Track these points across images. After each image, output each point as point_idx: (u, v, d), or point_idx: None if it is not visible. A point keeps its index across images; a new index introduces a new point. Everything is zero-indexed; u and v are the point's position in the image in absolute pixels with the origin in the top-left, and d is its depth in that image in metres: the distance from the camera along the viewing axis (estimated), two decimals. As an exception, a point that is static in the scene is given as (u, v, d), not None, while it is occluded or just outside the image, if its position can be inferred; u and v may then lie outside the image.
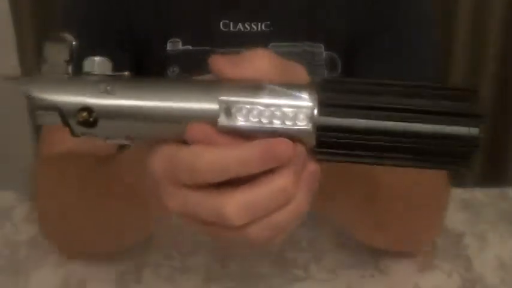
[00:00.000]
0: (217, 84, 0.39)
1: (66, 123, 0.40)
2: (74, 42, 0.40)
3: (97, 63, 0.40)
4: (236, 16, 0.76)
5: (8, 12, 1.46)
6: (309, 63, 0.78)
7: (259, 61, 0.39)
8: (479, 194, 0.87)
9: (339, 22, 0.76)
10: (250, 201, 0.38)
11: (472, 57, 1.52)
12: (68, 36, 0.41)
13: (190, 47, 0.77)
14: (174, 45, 0.78)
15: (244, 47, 0.75)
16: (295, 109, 0.37)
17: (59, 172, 0.69)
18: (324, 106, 0.37)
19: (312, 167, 0.40)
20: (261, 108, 0.37)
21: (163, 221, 0.79)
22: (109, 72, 0.40)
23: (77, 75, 0.40)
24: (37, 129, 1.56)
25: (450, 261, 0.74)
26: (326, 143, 0.38)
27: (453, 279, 0.71)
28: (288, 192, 0.39)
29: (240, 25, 0.76)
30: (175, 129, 0.38)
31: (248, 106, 0.37)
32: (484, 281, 0.71)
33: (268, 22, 0.76)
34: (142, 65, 0.79)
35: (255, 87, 0.38)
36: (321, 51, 0.77)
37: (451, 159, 0.38)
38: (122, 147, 0.49)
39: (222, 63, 0.39)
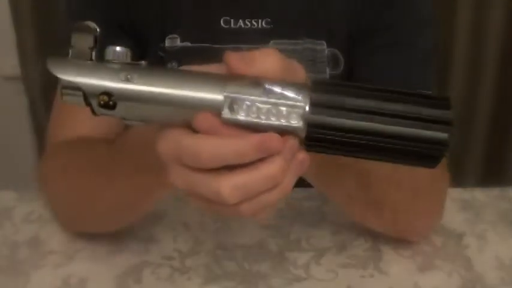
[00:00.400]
0: (224, 78, 0.44)
1: (88, 103, 0.45)
2: (97, 31, 0.45)
3: (118, 52, 0.45)
4: (237, 13, 0.76)
5: (8, 12, 1.46)
6: (311, 61, 0.78)
7: (266, 60, 0.44)
8: (479, 194, 0.87)
9: (339, 19, 0.76)
10: (243, 184, 0.44)
11: (472, 57, 1.52)
12: (92, 25, 0.45)
13: (189, 44, 0.78)
14: (173, 42, 0.78)
15: (244, 44, 0.76)
16: (289, 108, 0.43)
17: (71, 154, 0.71)
18: (314, 106, 0.43)
19: (302, 156, 0.45)
20: (260, 105, 0.43)
21: (163, 220, 0.80)
22: (128, 60, 0.45)
23: (100, 61, 0.45)
24: (37, 129, 1.57)
25: (450, 261, 0.74)
26: (315, 138, 0.44)
27: (453, 279, 0.71)
28: (277, 177, 0.44)
29: (240, 22, 0.76)
30: (185, 115, 0.44)
31: (249, 103, 0.43)
32: (484, 281, 0.71)
33: (269, 19, 0.76)
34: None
35: (256, 85, 0.43)
36: (323, 48, 0.77)
37: (423, 159, 0.44)
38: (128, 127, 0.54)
39: (234, 59, 0.44)
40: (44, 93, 1.47)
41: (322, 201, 0.83)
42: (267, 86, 0.43)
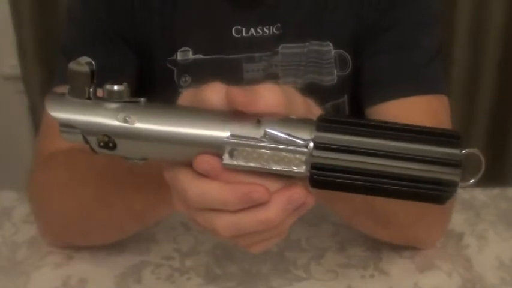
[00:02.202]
0: (225, 117, 0.43)
1: (87, 142, 0.45)
2: (94, 65, 0.44)
3: (116, 92, 0.44)
4: (248, 21, 0.75)
5: (8, 12, 1.46)
6: (318, 63, 0.78)
7: (269, 96, 0.43)
8: (479, 194, 0.87)
9: (346, 20, 0.76)
10: (236, 223, 0.44)
11: (472, 57, 1.52)
12: (88, 61, 0.44)
13: (201, 56, 0.77)
14: (185, 55, 0.77)
15: (257, 52, 0.75)
16: (291, 154, 0.42)
17: (70, 166, 0.69)
18: (318, 149, 0.42)
19: (303, 198, 0.44)
20: (261, 151, 0.42)
21: (163, 220, 0.80)
22: (127, 98, 0.44)
23: (97, 100, 0.44)
24: (37, 129, 1.57)
25: (450, 261, 0.74)
26: (318, 180, 0.43)
27: (453, 279, 0.71)
28: (271, 222, 0.44)
29: (252, 30, 0.75)
30: (185, 153, 0.44)
31: (249, 149, 0.42)
32: (484, 281, 0.71)
33: (279, 24, 0.76)
34: (153, 75, 0.79)
35: (258, 126, 0.42)
36: (329, 49, 0.77)
37: (431, 199, 0.43)
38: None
39: (238, 96, 0.43)
40: (44, 93, 1.46)
41: (322, 201, 0.83)
42: (268, 129, 0.42)
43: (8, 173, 1.27)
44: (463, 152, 0.42)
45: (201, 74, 0.77)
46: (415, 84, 0.74)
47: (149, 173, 0.55)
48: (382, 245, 0.75)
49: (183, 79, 0.78)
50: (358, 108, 0.79)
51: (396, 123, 0.43)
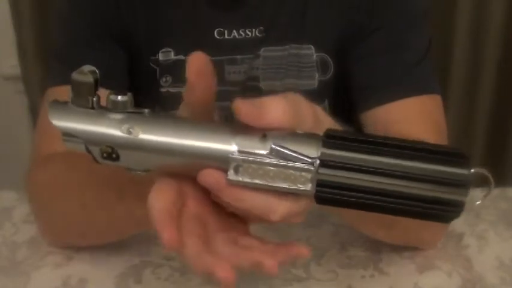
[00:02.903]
0: (231, 130, 0.42)
1: (90, 153, 0.44)
2: (97, 74, 0.43)
3: (120, 102, 0.43)
4: (231, 23, 0.75)
5: (8, 12, 1.46)
6: (298, 66, 0.78)
7: (276, 109, 0.42)
8: (479, 194, 0.87)
9: (329, 23, 0.76)
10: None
11: (472, 57, 1.52)
12: (92, 69, 0.43)
13: (182, 57, 0.77)
14: (166, 55, 0.77)
15: (239, 55, 0.75)
16: (298, 172, 0.41)
17: (70, 169, 0.68)
18: (323, 167, 0.41)
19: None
20: (267, 168, 0.42)
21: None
22: (131, 108, 0.43)
23: (101, 110, 0.44)
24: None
25: (450, 261, 0.74)
26: (324, 197, 0.42)
27: (453, 279, 0.71)
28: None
29: (234, 32, 0.76)
30: (190, 166, 0.43)
31: (255, 166, 0.42)
32: (484, 281, 0.71)
33: (262, 27, 0.76)
34: (138, 73, 0.79)
35: (263, 141, 0.42)
36: (311, 52, 0.77)
37: (437, 218, 0.43)
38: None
39: (245, 110, 0.42)
40: (44, 93, 1.47)
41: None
42: (274, 146, 0.41)
43: (8, 173, 1.27)
44: (471, 172, 0.42)
45: (182, 74, 0.78)
46: (408, 86, 0.74)
47: (151, 180, 0.55)
48: (382, 245, 0.75)
49: (164, 79, 0.78)
50: (339, 114, 0.79)
51: (403, 140, 0.42)
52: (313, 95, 0.79)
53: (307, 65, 0.77)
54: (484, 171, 0.43)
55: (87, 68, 0.43)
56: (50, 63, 0.77)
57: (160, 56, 0.77)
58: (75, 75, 0.43)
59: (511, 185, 0.90)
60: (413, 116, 0.73)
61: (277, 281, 0.71)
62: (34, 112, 1.54)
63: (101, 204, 0.65)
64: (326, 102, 0.81)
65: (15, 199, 0.86)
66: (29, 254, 0.76)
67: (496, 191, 0.88)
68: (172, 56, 0.77)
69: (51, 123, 0.44)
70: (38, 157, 0.74)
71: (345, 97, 0.78)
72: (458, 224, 0.80)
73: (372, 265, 0.73)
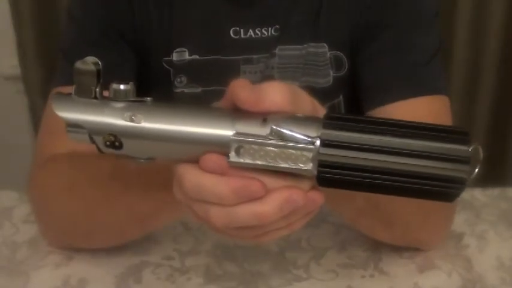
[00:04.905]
0: (232, 115, 0.43)
1: (93, 142, 0.45)
2: (100, 65, 0.44)
3: (122, 90, 0.44)
4: (247, 22, 0.75)
5: (8, 12, 1.46)
6: (314, 64, 0.77)
7: (275, 93, 0.43)
8: (479, 194, 0.87)
9: (342, 21, 0.76)
10: (230, 214, 0.44)
11: (472, 57, 1.52)
12: (95, 61, 0.44)
13: (197, 57, 0.77)
14: (181, 55, 0.77)
15: (254, 54, 0.75)
16: (298, 151, 0.42)
17: (75, 169, 0.69)
18: (325, 146, 0.41)
19: (313, 195, 0.44)
20: (267, 149, 0.42)
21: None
22: (133, 97, 0.44)
23: (104, 99, 0.44)
24: (37, 129, 1.57)
25: (450, 261, 0.74)
26: (326, 178, 0.42)
27: (453, 279, 0.71)
28: (265, 217, 0.43)
29: (250, 31, 0.75)
30: (192, 152, 0.43)
31: (256, 147, 0.42)
32: (484, 281, 0.71)
33: (278, 26, 0.75)
34: (149, 74, 0.78)
35: (264, 124, 0.42)
36: (325, 51, 0.77)
37: (439, 196, 0.43)
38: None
39: (244, 93, 0.43)
40: (44, 93, 1.47)
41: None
42: (274, 126, 0.42)
43: (8, 173, 1.27)
44: (471, 148, 0.41)
45: (197, 74, 0.77)
46: (415, 86, 0.73)
47: (156, 177, 0.55)
48: (383, 245, 0.75)
49: (179, 79, 0.78)
50: (354, 109, 0.79)
51: (403, 121, 0.42)
52: (329, 92, 0.79)
53: (322, 63, 0.77)
54: (477, 144, 0.42)
55: (90, 59, 0.44)
56: (58, 61, 0.77)
57: (175, 56, 0.77)
58: (78, 65, 0.44)
59: (511, 185, 0.89)
60: (420, 116, 0.72)
61: (277, 280, 0.71)
62: (34, 112, 1.54)
63: (105, 202, 0.65)
64: (341, 97, 0.81)
65: (15, 199, 0.86)
66: (29, 254, 0.76)
67: (496, 191, 0.88)
68: (186, 56, 0.77)
69: (55, 120, 0.45)
70: (40, 158, 0.74)
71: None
72: (458, 224, 0.80)
73: (372, 265, 0.73)
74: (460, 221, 0.81)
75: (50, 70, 1.43)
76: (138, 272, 0.72)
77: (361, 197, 0.64)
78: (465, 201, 0.85)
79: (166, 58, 0.77)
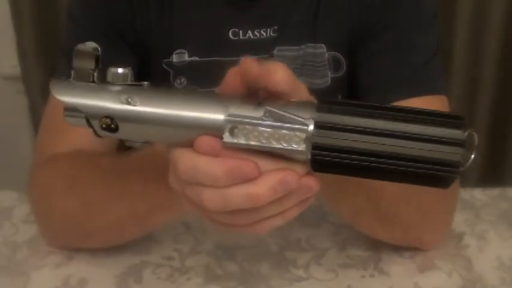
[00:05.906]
0: (226, 99, 0.44)
1: (90, 126, 0.45)
2: (99, 51, 0.45)
3: (120, 74, 0.45)
4: (246, 24, 0.75)
5: (8, 12, 1.46)
6: (312, 66, 0.77)
7: (277, 71, 0.43)
8: (479, 194, 0.87)
9: (340, 22, 0.76)
10: (223, 195, 0.44)
11: (472, 57, 1.52)
12: (94, 46, 0.45)
13: (197, 58, 0.77)
14: (180, 57, 0.77)
15: (254, 55, 0.75)
16: (292, 132, 0.42)
17: (76, 168, 0.69)
18: (318, 128, 0.41)
19: (307, 181, 0.44)
20: (261, 129, 0.42)
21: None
22: (130, 81, 0.45)
23: (101, 83, 0.45)
24: (37, 129, 1.57)
25: (450, 261, 0.74)
26: (320, 161, 0.42)
27: (453, 279, 0.71)
28: (258, 199, 0.43)
29: (249, 33, 0.75)
30: (187, 135, 0.44)
31: (250, 127, 0.42)
32: (484, 281, 0.71)
33: (276, 27, 0.76)
34: (148, 75, 0.78)
35: (258, 107, 0.43)
36: (323, 51, 0.77)
37: (434, 181, 0.42)
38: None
39: (250, 67, 0.43)
40: (44, 93, 1.47)
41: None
42: (268, 107, 0.42)
43: (8, 173, 1.27)
44: (467, 132, 0.41)
45: (197, 76, 0.77)
46: (414, 86, 0.74)
47: (154, 173, 0.55)
48: (383, 245, 0.75)
49: (178, 81, 0.78)
50: None
51: (398, 106, 0.43)
52: (327, 92, 0.79)
53: (320, 64, 0.77)
54: (472, 130, 0.42)
55: (90, 44, 0.45)
56: (58, 61, 0.77)
57: (174, 58, 0.77)
58: (79, 47, 0.45)
59: (511, 185, 0.89)
60: None
61: (277, 280, 0.71)
62: (34, 112, 1.54)
63: (105, 200, 0.66)
64: (339, 98, 0.81)
65: (15, 199, 0.86)
66: (29, 254, 0.76)
67: (496, 191, 0.88)
68: (186, 57, 0.77)
69: (55, 119, 0.45)
70: (40, 157, 0.74)
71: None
72: (458, 224, 0.80)
73: (372, 265, 0.73)
74: (460, 221, 0.81)
75: (50, 70, 1.43)
76: (138, 272, 0.72)
77: (361, 196, 0.64)
78: (465, 201, 0.85)
79: (166, 60, 0.77)
